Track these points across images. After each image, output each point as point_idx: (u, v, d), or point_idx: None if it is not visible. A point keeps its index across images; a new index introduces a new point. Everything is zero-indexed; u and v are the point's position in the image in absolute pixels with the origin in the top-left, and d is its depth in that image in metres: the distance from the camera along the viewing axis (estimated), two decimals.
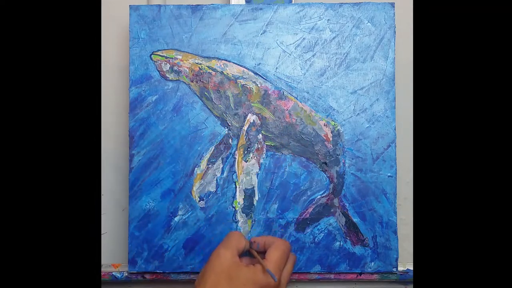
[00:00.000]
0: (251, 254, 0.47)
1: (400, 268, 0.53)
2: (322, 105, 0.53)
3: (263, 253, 0.46)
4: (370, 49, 0.53)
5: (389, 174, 0.52)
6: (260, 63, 0.53)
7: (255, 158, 0.52)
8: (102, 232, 0.56)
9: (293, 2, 0.55)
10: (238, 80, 0.53)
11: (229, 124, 0.53)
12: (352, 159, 0.52)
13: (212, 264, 0.45)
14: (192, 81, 0.53)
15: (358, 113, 0.52)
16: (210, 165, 0.52)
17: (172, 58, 0.53)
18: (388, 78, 0.52)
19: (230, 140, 0.53)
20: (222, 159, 0.52)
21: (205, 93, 0.53)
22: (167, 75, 0.53)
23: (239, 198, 0.52)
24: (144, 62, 0.53)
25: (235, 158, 0.52)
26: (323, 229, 0.52)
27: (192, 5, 0.53)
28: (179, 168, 0.52)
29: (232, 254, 0.45)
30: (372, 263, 0.52)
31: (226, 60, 0.53)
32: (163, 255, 0.52)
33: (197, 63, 0.53)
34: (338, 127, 0.52)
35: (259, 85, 0.53)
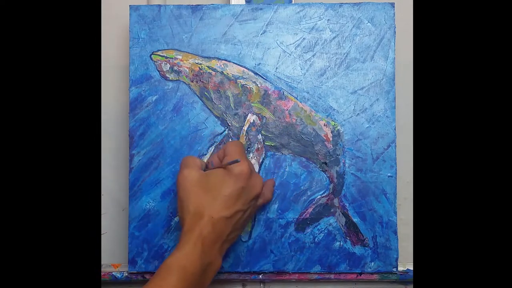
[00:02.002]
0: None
1: (400, 268, 0.53)
2: (322, 105, 0.53)
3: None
4: (370, 49, 0.53)
5: (389, 174, 0.52)
6: (260, 63, 0.53)
7: (255, 158, 0.52)
8: (102, 232, 0.56)
9: (293, 2, 0.55)
10: (238, 80, 0.53)
11: (229, 124, 0.53)
12: (352, 159, 0.52)
13: (183, 186, 0.45)
14: (192, 81, 0.53)
15: (358, 113, 0.52)
16: None
17: (172, 58, 0.53)
18: (388, 78, 0.52)
19: (230, 140, 0.53)
20: None
21: (205, 93, 0.53)
22: (167, 75, 0.53)
23: None
24: (144, 62, 0.53)
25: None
26: (323, 229, 0.52)
27: (192, 5, 0.53)
28: (179, 168, 0.52)
29: (196, 170, 0.46)
30: (372, 263, 0.52)
31: (226, 60, 0.53)
32: (163, 255, 0.52)
33: (197, 63, 0.53)
34: (338, 127, 0.52)
35: (259, 85, 0.53)
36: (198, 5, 0.53)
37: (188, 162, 0.47)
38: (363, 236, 0.52)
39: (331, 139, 0.52)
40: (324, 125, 0.52)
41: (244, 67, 0.53)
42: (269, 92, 0.53)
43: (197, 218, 0.44)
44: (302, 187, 0.52)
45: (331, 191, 0.52)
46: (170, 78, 0.53)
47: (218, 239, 0.44)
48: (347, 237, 0.52)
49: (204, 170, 0.47)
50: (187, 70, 0.53)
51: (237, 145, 0.48)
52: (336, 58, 0.53)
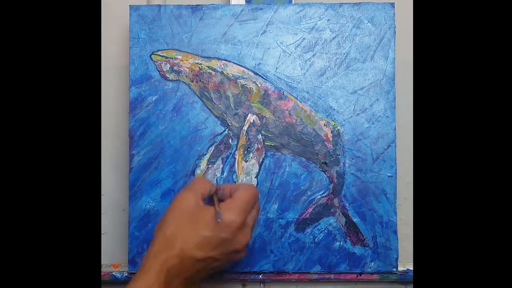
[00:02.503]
0: (213, 200, 0.45)
1: (400, 268, 0.53)
2: (322, 105, 0.53)
3: None
4: (370, 49, 0.53)
5: (389, 174, 0.52)
6: (260, 63, 0.53)
7: (255, 158, 0.52)
8: (102, 232, 0.56)
9: (293, 2, 0.55)
10: (238, 80, 0.53)
11: (229, 124, 0.53)
12: (352, 159, 0.52)
13: (174, 207, 0.43)
14: (192, 81, 0.53)
15: (358, 113, 0.52)
16: (210, 165, 0.52)
17: (172, 58, 0.53)
18: (388, 78, 0.52)
19: (230, 140, 0.53)
20: (222, 159, 0.52)
21: (205, 93, 0.53)
22: (167, 75, 0.53)
23: None
24: (144, 62, 0.53)
25: (235, 158, 0.52)
26: (323, 229, 0.52)
27: (192, 5, 0.53)
28: (179, 168, 0.52)
29: (196, 198, 0.43)
30: (372, 263, 0.52)
31: (226, 60, 0.53)
32: None
33: (197, 63, 0.53)
34: (338, 127, 0.52)
35: (259, 85, 0.53)
36: (198, 5, 0.53)
37: (194, 185, 0.45)
38: (363, 236, 0.52)
39: (331, 139, 0.52)
40: (324, 125, 0.52)
41: (244, 67, 0.53)
42: (269, 92, 0.53)
43: (167, 246, 0.41)
44: (302, 187, 0.52)
45: (331, 191, 0.52)
46: (170, 78, 0.53)
47: (180, 275, 0.41)
48: (347, 237, 0.52)
49: (209, 196, 0.45)
50: (187, 70, 0.53)
51: (253, 194, 0.45)
52: (336, 58, 0.53)
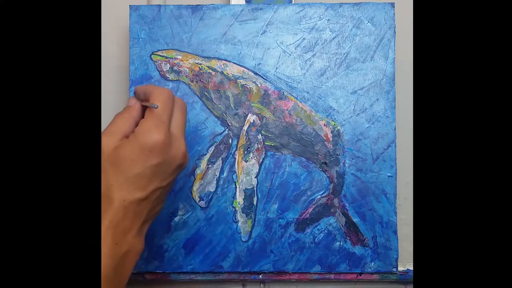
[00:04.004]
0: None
1: (400, 268, 0.53)
2: (322, 105, 0.53)
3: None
4: (370, 49, 0.53)
5: (389, 174, 0.52)
6: (260, 63, 0.53)
7: (255, 158, 0.52)
8: None
9: (293, 2, 0.55)
10: (238, 80, 0.53)
11: (229, 124, 0.53)
12: (352, 159, 0.52)
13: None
14: (192, 81, 0.53)
15: (358, 113, 0.52)
16: (210, 165, 0.52)
17: (172, 58, 0.53)
18: (388, 78, 0.52)
19: (230, 140, 0.53)
20: (222, 159, 0.52)
21: (205, 93, 0.53)
22: (167, 75, 0.53)
23: (239, 198, 0.52)
24: (144, 62, 0.53)
25: (235, 158, 0.52)
26: (323, 229, 0.52)
27: (192, 5, 0.53)
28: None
29: (115, 139, 0.39)
30: (372, 263, 0.52)
31: (226, 60, 0.53)
32: (163, 255, 0.52)
33: (197, 63, 0.53)
34: (338, 127, 0.52)
35: (259, 85, 0.53)
36: (198, 5, 0.53)
37: (110, 126, 0.40)
38: (363, 236, 0.52)
39: (331, 139, 0.52)
40: (324, 125, 0.52)
41: (244, 67, 0.53)
42: (269, 92, 0.53)
43: (106, 203, 0.37)
44: (302, 187, 0.52)
45: (331, 191, 0.52)
46: (170, 78, 0.53)
47: (134, 224, 0.38)
48: (347, 237, 0.52)
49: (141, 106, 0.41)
50: (187, 70, 0.53)
51: (167, 100, 0.40)
52: (336, 58, 0.53)
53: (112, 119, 0.41)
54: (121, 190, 0.37)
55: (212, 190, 0.52)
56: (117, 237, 0.37)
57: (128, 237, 0.38)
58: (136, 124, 0.40)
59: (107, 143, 0.39)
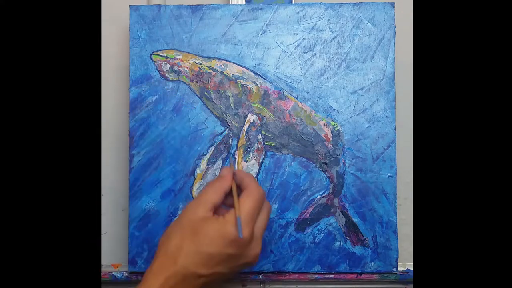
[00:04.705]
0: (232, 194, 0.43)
1: (400, 268, 0.53)
2: (322, 105, 0.53)
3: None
4: (370, 49, 0.53)
5: (389, 174, 0.52)
6: (260, 63, 0.53)
7: (255, 158, 0.52)
8: (102, 232, 0.56)
9: (293, 2, 0.55)
10: (238, 80, 0.53)
11: (229, 124, 0.53)
12: (352, 159, 0.52)
13: (180, 218, 0.41)
14: (192, 81, 0.53)
15: (358, 113, 0.52)
16: (210, 165, 0.52)
17: (172, 58, 0.53)
18: (388, 78, 0.52)
19: (230, 140, 0.53)
20: (222, 159, 0.52)
21: (205, 93, 0.53)
22: (167, 75, 0.53)
23: None
24: (144, 62, 0.53)
25: (235, 158, 0.52)
26: (323, 229, 0.52)
27: (192, 5, 0.53)
28: (179, 168, 0.52)
29: (204, 209, 0.41)
30: (372, 263, 0.52)
31: (226, 60, 0.53)
32: None
33: (197, 63, 0.53)
34: (338, 127, 0.52)
35: (259, 85, 0.53)
36: (198, 5, 0.53)
37: (204, 195, 0.42)
38: (363, 236, 0.52)
39: (331, 139, 0.52)
40: (324, 125, 0.52)
41: (244, 67, 0.53)
42: (269, 92, 0.53)
43: (170, 262, 0.39)
44: (302, 187, 0.52)
45: (331, 191, 0.52)
46: (170, 78, 0.53)
47: None
48: (347, 237, 0.52)
49: (227, 193, 0.43)
50: (187, 70, 0.53)
51: (257, 201, 0.42)
52: (336, 58, 0.53)
53: (205, 187, 0.43)
54: (188, 258, 0.39)
55: None
56: None
57: None
58: (225, 195, 0.43)
59: (197, 211, 0.41)
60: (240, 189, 0.44)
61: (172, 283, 0.39)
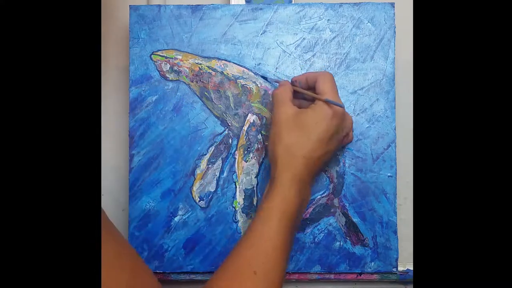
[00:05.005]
0: (299, 93, 0.48)
1: (400, 268, 0.53)
2: None
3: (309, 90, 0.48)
4: (370, 49, 0.53)
5: (389, 174, 0.52)
6: (260, 63, 0.53)
7: (255, 158, 0.52)
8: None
9: (293, 2, 0.55)
10: (238, 80, 0.53)
11: (229, 124, 0.53)
12: (352, 159, 0.52)
13: (277, 124, 0.46)
14: (192, 81, 0.53)
15: (358, 113, 0.52)
16: (210, 165, 0.52)
17: (172, 58, 0.53)
18: (388, 78, 0.52)
19: (230, 140, 0.53)
20: (222, 159, 0.52)
21: (205, 93, 0.53)
22: (167, 75, 0.53)
23: (239, 198, 0.52)
24: (144, 62, 0.53)
25: (235, 158, 0.52)
26: (323, 229, 0.52)
27: (192, 5, 0.53)
28: (179, 168, 0.52)
29: (290, 106, 0.46)
30: (372, 263, 0.52)
31: (226, 60, 0.53)
32: (163, 255, 0.52)
33: (197, 63, 0.53)
34: None
35: (259, 85, 0.53)
36: (198, 5, 0.53)
37: (283, 97, 0.47)
38: (363, 236, 0.52)
39: None
40: None
41: (244, 67, 0.53)
42: (269, 92, 0.53)
43: (290, 158, 0.45)
44: None
45: (331, 191, 0.52)
46: (170, 78, 0.53)
47: (309, 177, 0.46)
48: (347, 237, 0.52)
49: (293, 85, 0.48)
50: (187, 70, 0.53)
51: (333, 81, 0.47)
52: (336, 58, 0.53)
53: (273, 94, 0.48)
54: (303, 147, 0.45)
55: (212, 190, 0.52)
56: (300, 187, 0.45)
57: (305, 188, 0.46)
58: (293, 95, 0.48)
59: (286, 110, 0.46)
60: (308, 85, 0.48)
61: (299, 172, 0.45)
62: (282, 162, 0.45)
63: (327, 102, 0.45)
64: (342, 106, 0.45)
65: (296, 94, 0.49)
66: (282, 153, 0.45)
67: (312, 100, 0.47)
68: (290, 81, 0.50)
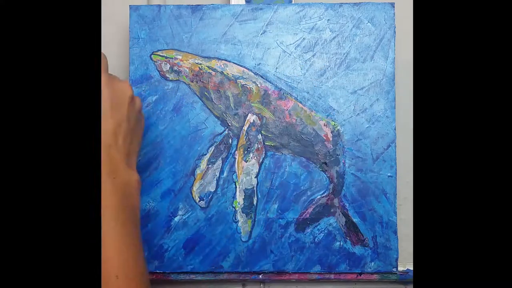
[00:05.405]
0: None
1: (400, 268, 0.53)
2: (322, 105, 0.53)
3: None
4: (370, 49, 0.53)
5: (389, 174, 0.52)
6: (260, 63, 0.53)
7: (255, 158, 0.52)
8: None
9: (293, 2, 0.55)
10: (238, 80, 0.53)
11: (229, 124, 0.53)
12: (352, 159, 0.52)
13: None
14: (192, 81, 0.53)
15: (358, 113, 0.52)
16: (210, 165, 0.52)
17: (172, 58, 0.53)
18: (388, 78, 0.52)
19: (230, 140, 0.53)
20: (222, 159, 0.52)
21: (205, 93, 0.53)
22: (167, 75, 0.53)
23: (239, 198, 0.52)
24: (144, 62, 0.53)
25: (235, 158, 0.52)
26: (323, 229, 0.52)
27: (192, 5, 0.53)
28: (179, 168, 0.52)
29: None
30: (372, 263, 0.52)
31: (226, 60, 0.53)
32: (163, 255, 0.52)
33: (197, 63, 0.53)
34: (338, 127, 0.52)
35: (259, 85, 0.53)
36: (198, 5, 0.53)
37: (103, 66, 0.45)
38: (363, 236, 0.52)
39: (331, 139, 0.52)
40: (324, 125, 0.52)
41: (244, 67, 0.53)
42: (269, 92, 0.53)
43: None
44: (302, 187, 0.52)
45: (331, 191, 0.52)
46: (170, 78, 0.53)
47: (119, 161, 0.42)
48: (347, 237, 0.52)
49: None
50: (187, 70, 0.53)
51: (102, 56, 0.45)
52: (336, 58, 0.53)
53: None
54: (102, 140, 0.42)
55: (212, 190, 0.52)
56: (112, 174, 0.41)
57: (120, 171, 0.42)
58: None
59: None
60: None
61: (106, 163, 0.41)
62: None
63: None
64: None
65: None
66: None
67: None
68: None
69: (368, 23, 0.53)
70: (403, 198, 0.55)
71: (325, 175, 0.52)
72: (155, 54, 0.53)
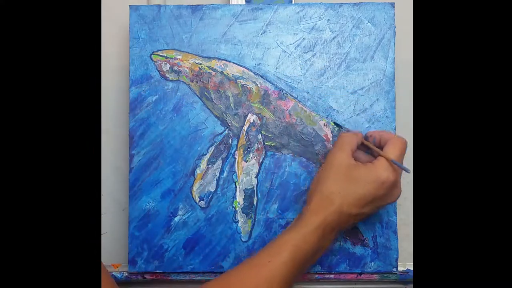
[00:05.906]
0: (366, 147, 0.48)
1: (400, 268, 0.53)
2: (322, 105, 0.53)
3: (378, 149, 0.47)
4: (370, 49, 0.53)
5: None
6: (260, 63, 0.53)
7: (255, 158, 0.52)
8: (102, 232, 0.56)
9: (293, 2, 0.55)
10: (238, 80, 0.53)
11: (229, 124, 0.53)
12: None
13: (328, 166, 0.46)
14: (192, 81, 0.53)
15: (358, 113, 0.52)
16: (210, 165, 0.52)
17: (172, 58, 0.53)
18: (388, 78, 0.52)
19: (230, 140, 0.53)
20: (222, 159, 0.52)
21: (205, 93, 0.53)
22: (167, 75, 0.53)
23: (239, 198, 0.52)
24: (144, 62, 0.53)
25: (235, 158, 0.52)
26: None
27: (192, 5, 0.53)
28: (179, 168, 0.52)
29: (347, 155, 0.46)
30: (372, 263, 0.52)
31: (226, 60, 0.53)
32: (163, 255, 0.52)
33: (197, 63, 0.53)
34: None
35: (259, 85, 0.53)
36: (198, 5, 0.53)
37: (343, 143, 0.47)
38: (363, 236, 0.52)
39: (331, 139, 0.52)
40: (324, 125, 0.52)
41: (244, 67, 0.53)
42: (269, 92, 0.53)
43: (327, 203, 0.45)
44: (302, 187, 0.52)
45: None
46: (170, 78, 0.53)
47: (335, 228, 0.45)
48: (347, 237, 0.52)
49: (358, 145, 0.48)
50: (187, 70, 0.53)
51: (401, 149, 0.46)
52: (336, 58, 0.53)
53: (341, 135, 0.49)
54: (343, 199, 0.45)
55: (212, 190, 0.52)
56: (325, 233, 0.45)
57: (330, 237, 0.46)
58: (357, 146, 0.48)
59: (342, 157, 0.46)
60: (380, 145, 0.48)
61: (329, 220, 0.44)
62: (317, 204, 0.45)
63: (392, 162, 0.45)
64: (408, 171, 0.45)
65: (360, 147, 0.49)
66: (321, 196, 0.45)
67: (370, 160, 0.47)
68: (364, 134, 0.50)
69: (368, 23, 0.53)
70: (403, 198, 0.55)
71: None
72: (155, 54, 0.53)
